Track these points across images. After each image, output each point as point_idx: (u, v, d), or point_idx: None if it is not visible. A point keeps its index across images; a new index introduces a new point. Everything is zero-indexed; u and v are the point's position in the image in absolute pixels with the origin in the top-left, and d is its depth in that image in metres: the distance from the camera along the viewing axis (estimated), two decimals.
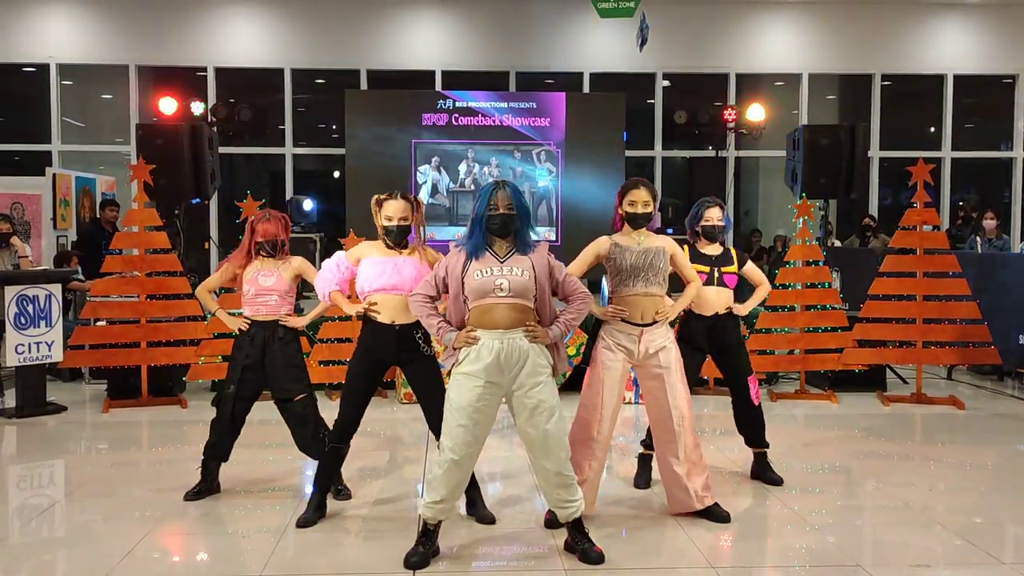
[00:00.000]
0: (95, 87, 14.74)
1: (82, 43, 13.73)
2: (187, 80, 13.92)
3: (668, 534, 4.49)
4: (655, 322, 4.51)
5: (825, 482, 5.49)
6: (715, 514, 4.62)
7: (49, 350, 7.38)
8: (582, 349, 7.85)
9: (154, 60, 13.95)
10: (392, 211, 4.47)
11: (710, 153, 14.45)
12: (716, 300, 5.22)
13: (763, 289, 5.50)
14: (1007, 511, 4.92)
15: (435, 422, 4.39)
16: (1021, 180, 15.10)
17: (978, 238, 10.34)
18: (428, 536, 4.04)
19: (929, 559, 4.13)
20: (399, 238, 4.50)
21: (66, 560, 4.21)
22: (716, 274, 5.22)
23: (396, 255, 4.48)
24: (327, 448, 4.61)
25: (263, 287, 4.96)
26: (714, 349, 5.29)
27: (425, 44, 14.17)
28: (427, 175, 13.04)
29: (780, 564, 4.17)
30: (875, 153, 14.48)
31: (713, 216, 5.31)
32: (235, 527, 4.56)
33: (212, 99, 13.76)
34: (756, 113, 13.44)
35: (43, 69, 13.72)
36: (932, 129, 15.16)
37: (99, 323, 7.79)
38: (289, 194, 14.02)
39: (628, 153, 13.57)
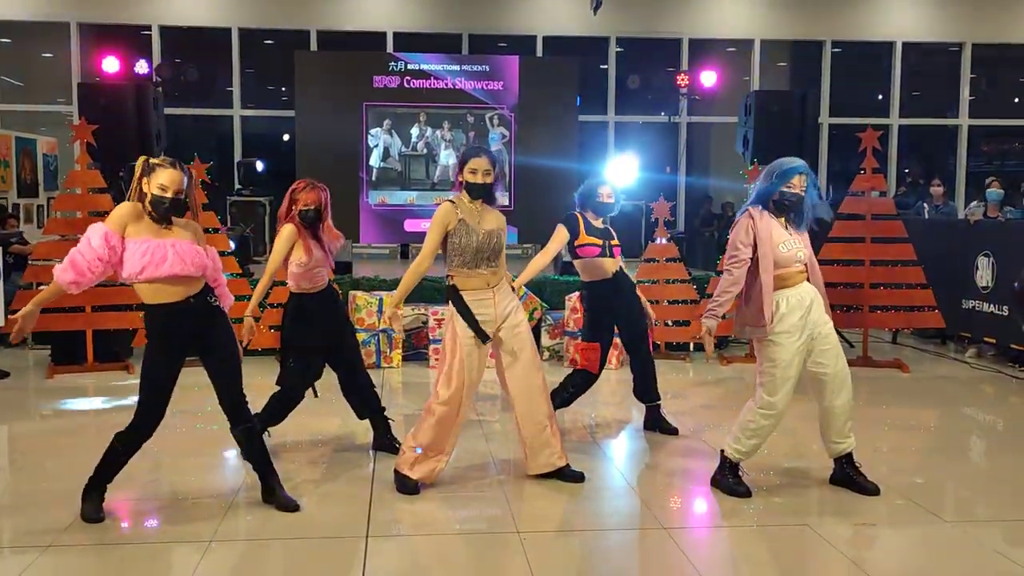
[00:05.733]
0: (35, 45, 14.30)
1: None
2: (131, 39, 13.59)
3: (620, 496, 4.54)
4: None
5: (771, 443, 5.56)
6: (569, 475, 4.66)
7: None
8: (535, 314, 7.86)
9: (96, 18, 13.57)
10: (168, 180, 3.90)
11: (663, 119, 14.48)
12: (611, 267, 5.45)
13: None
14: (948, 471, 5.06)
15: (236, 388, 4.13)
16: (966, 147, 15.37)
17: (925, 204, 10.52)
18: (736, 470, 4.55)
19: (873, 518, 4.23)
20: (171, 212, 3.96)
21: (11, 528, 4.13)
22: (607, 246, 5.45)
23: (168, 234, 3.95)
24: (121, 444, 4.13)
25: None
26: (620, 306, 5.47)
27: (376, 4, 13.95)
28: (379, 138, 12.90)
29: (728, 524, 4.24)
30: (825, 120, 14.62)
31: (604, 193, 5.52)
32: (185, 493, 4.51)
33: (157, 58, 13.43)
34: (708, 79, 13.48)
35: None
36: (880, 96, 15.35)
37: (41, 287, 7.60)
38: (238, 157, 13.79)
39: (581, 118, 13.55)
